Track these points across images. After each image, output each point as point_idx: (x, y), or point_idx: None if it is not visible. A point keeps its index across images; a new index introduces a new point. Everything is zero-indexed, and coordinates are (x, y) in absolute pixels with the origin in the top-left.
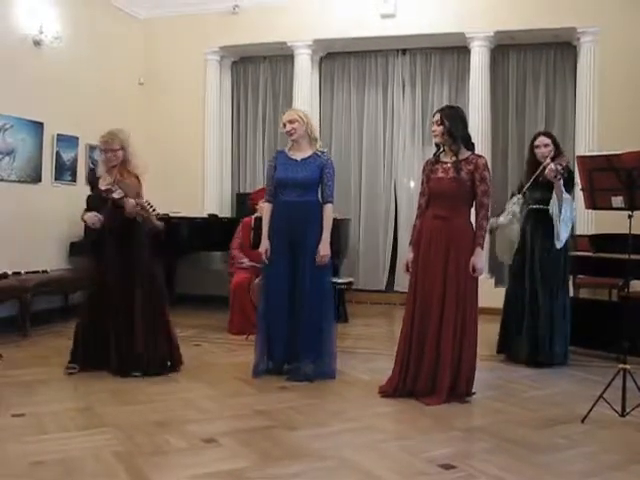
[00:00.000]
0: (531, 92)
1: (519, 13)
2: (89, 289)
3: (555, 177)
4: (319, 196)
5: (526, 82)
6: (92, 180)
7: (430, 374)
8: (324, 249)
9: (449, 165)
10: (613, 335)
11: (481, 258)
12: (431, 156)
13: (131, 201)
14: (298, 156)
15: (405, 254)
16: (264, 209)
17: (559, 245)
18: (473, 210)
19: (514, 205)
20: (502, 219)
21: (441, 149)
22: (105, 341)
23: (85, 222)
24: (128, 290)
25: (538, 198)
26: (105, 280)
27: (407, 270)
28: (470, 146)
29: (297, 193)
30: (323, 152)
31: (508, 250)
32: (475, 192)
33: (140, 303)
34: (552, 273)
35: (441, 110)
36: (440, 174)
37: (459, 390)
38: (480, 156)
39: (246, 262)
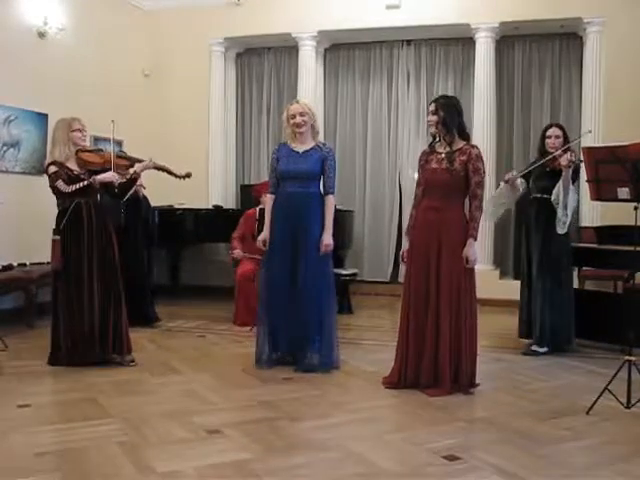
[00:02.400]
0: (536, 83)
1: (524, 4)
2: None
3: (568, 166)
4: (321, 188)
5: (531, 73)
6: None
7: (431, 366)
8: (327, 238)
9: (443, 156)
10: (618, 327)
11: (473, 249)
12: (427, 147)
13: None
14: (300, 148)
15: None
16: (267, 200)
17: (561, 231)
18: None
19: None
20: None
21: (437, 139)
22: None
23: (106, 183)
24: (113, 271)
25: (543, 187)
26: (87, 266)
27: (404, 260)
28: (465, 136)
29: (299, 184)
30: (324, 144)
31: (495, 205)
32: (469, 183)
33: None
34: (552, 262)
35: (436, 100)
36: (434, 165)
37: (461, 382)
38: (474, 146)
39: (237, 252)
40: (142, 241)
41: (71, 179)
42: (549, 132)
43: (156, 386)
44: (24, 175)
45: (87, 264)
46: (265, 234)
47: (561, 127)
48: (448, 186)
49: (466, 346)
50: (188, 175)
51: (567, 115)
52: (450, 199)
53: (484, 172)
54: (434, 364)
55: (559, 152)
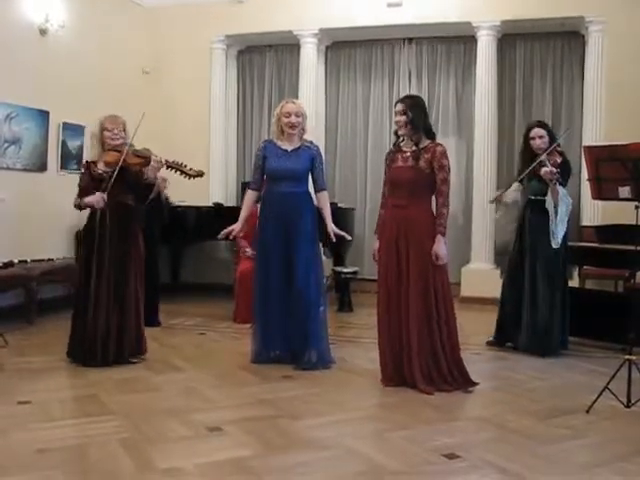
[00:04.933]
0: (538, 82)
1: (526, 2)
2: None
3: (551, 181)
4: (309, 186)
5: (533, 72)
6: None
7: (409, 364)
8: (334, 229)
9: (408, 154)
10: (619, 326)
11: (442, 245)
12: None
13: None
14: (288, 146)
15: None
16: (247, 195)
17: (555, 245)
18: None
19: (515, 192)
20: (509, 197)
21: (401, 138)
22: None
23: (86, 206)
24: (122, 274)
25: (536, 188)
26: (96, 268)
27: (375, 259)
28: (431, 135)
29: (293, 184)
30: (311, 142)
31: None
32: (435, 180)
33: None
34: (552, 263)
35: (402, 100)
36: (399, 163)
37: (444, 376)
38: (438, 144)
39: (249, 251)
40: (156, 246)
41: (93, 179)
42: (532, 133)
43: (157, 383)
44: (25, 172)
45: (96, 266)
46: (236, 227)
47: (544, 125)
48: (413, 184)
49: (441, 341)
50: (200, 174)
51: (568, 113)
52: (416, 197)
53: (449, 169)
54: (410, 362)
55: (544, 157)
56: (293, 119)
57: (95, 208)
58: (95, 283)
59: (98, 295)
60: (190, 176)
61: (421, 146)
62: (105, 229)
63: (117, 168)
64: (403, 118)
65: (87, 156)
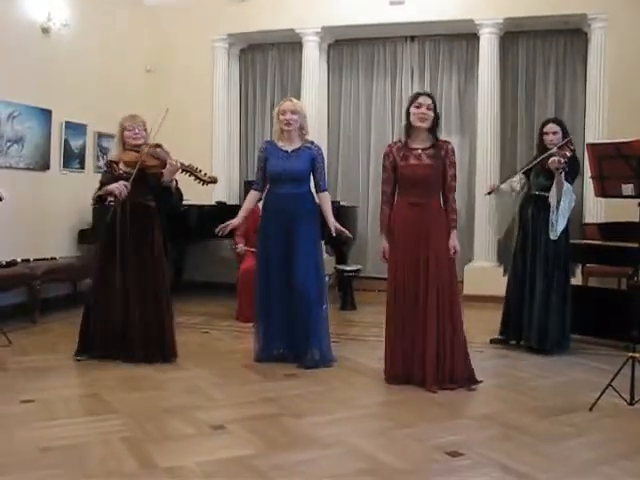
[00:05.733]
0: (541, 79)
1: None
2: (96, 274)
3: (557, 169)
4: (311, 186)
5: (536, 69)
6: (108, 163)
7: (421, 364)
8: (335, 225)
9: (420, 151)
10: (622, 324)
11: (456, 240)
12: (397, 141)
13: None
14: (289, 147)
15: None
16: (249, 195)
17: (553, 236)
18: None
19: (514, 183)
20: (503, 185)
21: (406, 135)
22: (119, 328)
23: (107, 193)
24: (141, 272)
25: (542, 185)
26: (114, 264)
27: (385, 258)
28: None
29: (294, 185)
30: (312, 142)
31: (496, 221)
32: (445, 177)
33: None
34: (553, 259)
35: (430, 96)
36: (412, 161)
37: (459, 375)
38: (447, 141)
39: (239, 247)
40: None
41: (114, 178)
42: (546, 128)
43: (160, 382)
44: (28, 171)
45: (120, 265)
46: (234, 222)
47: (559, 122)
48: (429, 181)
49: (459, 336)
50: (214, 181)
51: (571, 111)
52: (431, 193)
53: (455, 165)
54: (423, 360)
55: (554, 150)
56: (288, 116)
57: (116, 196)
58: (120, 283)
59: (125, 295)
60: (204, 182)
61: (432, 144)
62: (126, 228)
63: (136, 170)
64: (431, 113)
65: (88, 155)
